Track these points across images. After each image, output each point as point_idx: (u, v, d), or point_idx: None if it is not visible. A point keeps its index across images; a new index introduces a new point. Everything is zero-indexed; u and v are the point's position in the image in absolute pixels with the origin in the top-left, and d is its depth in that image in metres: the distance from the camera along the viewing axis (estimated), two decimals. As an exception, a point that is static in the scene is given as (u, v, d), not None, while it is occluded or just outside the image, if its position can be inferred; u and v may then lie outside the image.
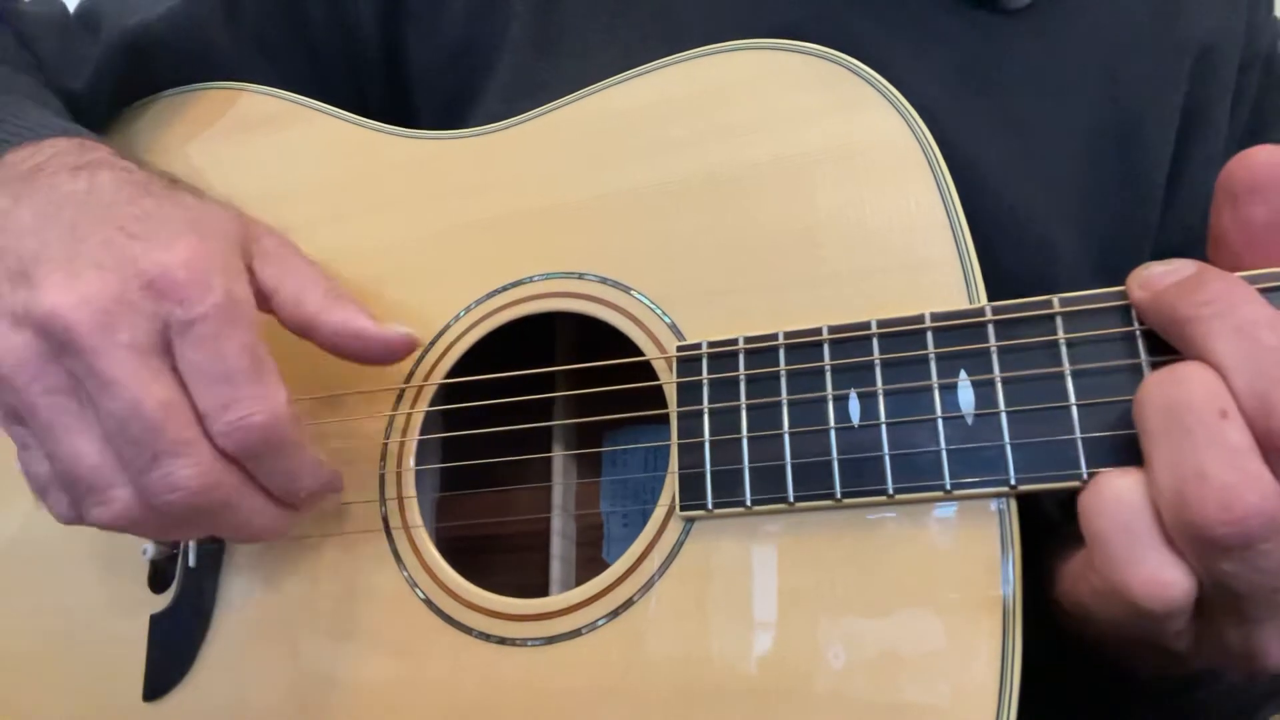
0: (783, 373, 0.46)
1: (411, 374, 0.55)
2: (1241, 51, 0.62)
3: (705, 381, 0.47)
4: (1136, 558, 0.36)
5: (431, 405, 0.55)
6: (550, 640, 0.48)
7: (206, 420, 0.44)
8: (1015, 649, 0.40)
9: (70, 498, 0.46)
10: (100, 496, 0.45)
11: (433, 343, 0.55)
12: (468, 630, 0.50)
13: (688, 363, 0.48)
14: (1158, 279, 0.39)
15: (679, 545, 0.46)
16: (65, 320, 0.43)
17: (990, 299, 0.44)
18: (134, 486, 0.44)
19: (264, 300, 0.50)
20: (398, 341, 0.51)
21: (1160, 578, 0.36)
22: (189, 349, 0.44)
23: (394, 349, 0.51)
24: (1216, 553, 0.35)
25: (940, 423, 0.42)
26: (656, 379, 0.49)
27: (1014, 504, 0.42)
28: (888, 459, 0.43)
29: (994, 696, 0.40)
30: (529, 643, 0.48)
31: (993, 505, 0.42)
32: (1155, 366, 0.40)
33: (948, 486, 0.42)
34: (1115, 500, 0.37)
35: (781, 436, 0.45)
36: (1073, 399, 0.41)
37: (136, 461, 0.44)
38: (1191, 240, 0.60)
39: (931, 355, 0.43)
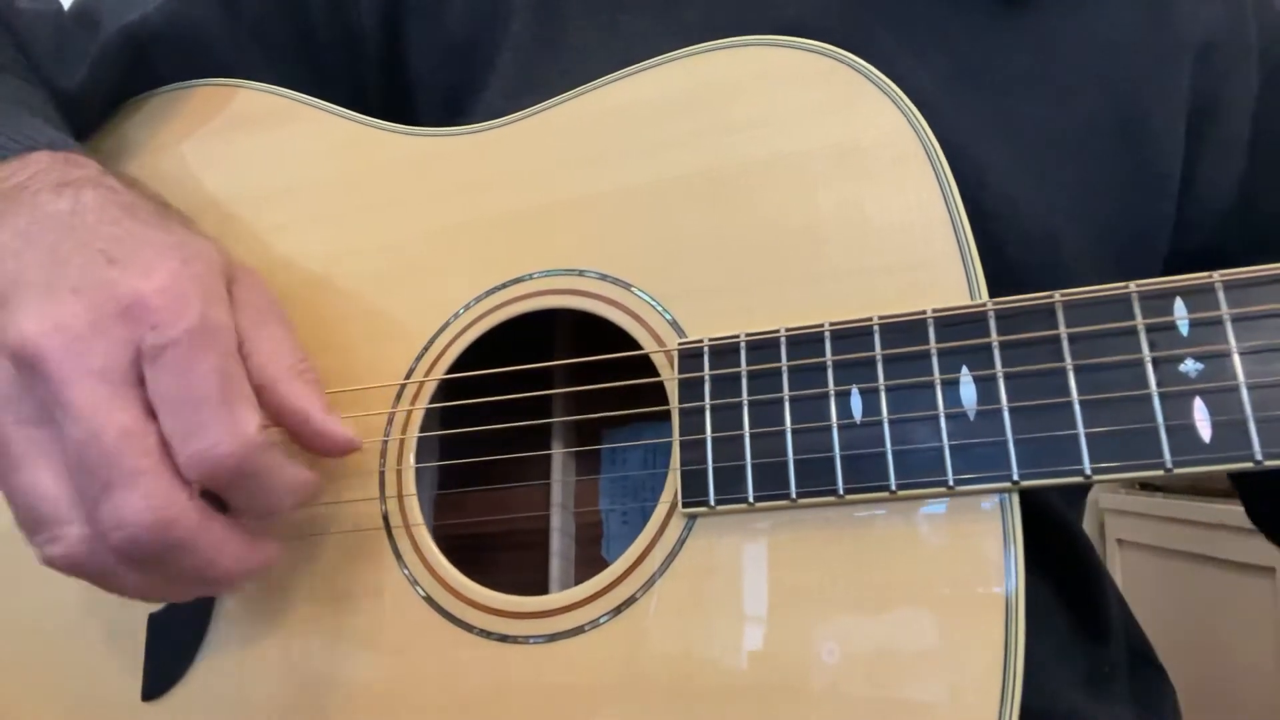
0: (785, 369, 0.46)
1: (411, 371, 0.55)
2: (1259, 50, 0.61)
3: (707, 378, 0.47)
4: None
5: (431, 402, 0.54)
6: (552, 638, 0.47)
7: (171, 449, 0.42)
8: (1018, 645, 0.40)
9: (25, 534, 0.44)
10: (52, 532, 0.43)
11: (432, 340, 0.55)
12: (469, 628, 0.49)
13: (689, 359, 0.48)
14: None
15: (681, 543, 0.46)
16: (37, 347, 0.42)
17: (995, 294, 0.44)
18: (86, 521, 0.42)
19: None
20: (341, 439, 0.49)
21: None
22: (159, 374, 0.42)
23: (335, 444, 0.49)
24: None
25: (943, 418, 0.42)
26: (656, 376, 0.49)
27: (1016, 499, 0.42)
28: (890, 455, 0.43)
29: (996, 692, 0.40)
30: (531, 640, 0.48)
31: (995, 501, 0.42)
32: (1157, 362, 0.40)
33: (950, 482, 0.42)
34: None
35: (784, 433, 0.45)
36: (1075, 394, 0.41)
37: (90, 492, 0.42)
38: (1214, 227, 0.61)
39: (933, 351, 0.43)
